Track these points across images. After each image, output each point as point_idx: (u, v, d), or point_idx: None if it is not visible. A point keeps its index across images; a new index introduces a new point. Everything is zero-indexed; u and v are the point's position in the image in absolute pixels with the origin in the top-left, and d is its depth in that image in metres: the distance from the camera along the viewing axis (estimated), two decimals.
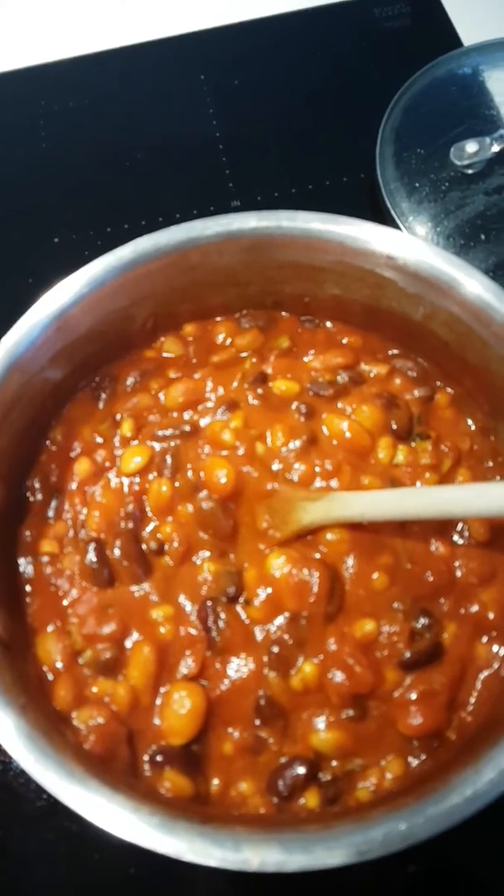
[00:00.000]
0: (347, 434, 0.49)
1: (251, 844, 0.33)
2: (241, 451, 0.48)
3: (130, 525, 0.47)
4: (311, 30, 0.79)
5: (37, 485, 0.49)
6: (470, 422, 0.51)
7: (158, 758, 0.42)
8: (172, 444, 0.50)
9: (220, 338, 0.54)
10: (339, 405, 0.50)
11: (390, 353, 0.53)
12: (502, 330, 0.43)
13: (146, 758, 0.42)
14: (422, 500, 0.43)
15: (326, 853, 0.32)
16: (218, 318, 0.55)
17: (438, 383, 0.52)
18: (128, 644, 0.44)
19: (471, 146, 0.61)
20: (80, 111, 0.77)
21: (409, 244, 0.46)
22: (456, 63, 0.69)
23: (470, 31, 0.76)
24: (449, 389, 0.52)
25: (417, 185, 0.64)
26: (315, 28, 0.79)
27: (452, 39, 0.76)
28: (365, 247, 0.46)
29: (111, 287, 0.47)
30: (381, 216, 0.65)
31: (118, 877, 0.48)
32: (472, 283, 0.44)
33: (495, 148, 0.62)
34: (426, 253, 0.45)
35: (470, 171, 0.63)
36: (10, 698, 0.38)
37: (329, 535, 0.46)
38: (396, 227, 0.63)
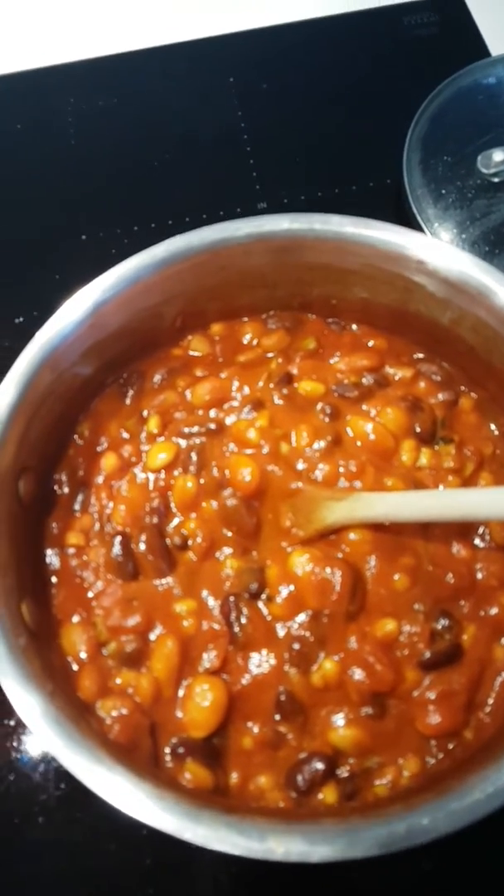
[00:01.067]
0: (371, 436, 0.49)
1: (275, 835, 0.33)
2: (265, 450, 0.49)
3: (155, 520, 0.48)
4: (340, 36, 0.80)
5: (64, 478, 0.50)
6: (493, 427, 0.52)
7: (180, 749, 0.43)
8: (198, 441, 0.50)
9: (247, 338, 0.55)
10: (364, 407, 0.51)
11: (415, 356, 0.54)
12: None
13: (168, 749, 0.43)
14: (444, 503, 0.43)
15: (349, 846, 0.33)
16: (245, 319, 0.56)
17: (462, 388, 0.53)
18: (151, 637, 0.45)
19: (498, 155, 0.62)
20: (109, 110, 0.78)
21: (441, 250, 0.46)
22: (483, 72, 0.70)
23: (498, 40, 0.77)
24: (473, 394, 0.52)
25: (444, 191, 0.64)
26: (344, 34, 0.80)
27: (480, 49, 0.77)
28: (397, 251, 0.47)
29: (143, 285, 0.48)
30: (407, 222, 0.65)
31: (134, 867, 0.49)
32: (492, 281, 0.44)
33: None
34: (460, 259, 0.45)
35: (496, 180, 0.63)
36: (39, 684, 0.39)
37: (352, 535, 0.46)
38: (422, 232, 0.63)
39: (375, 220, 0.47)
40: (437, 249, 0.46)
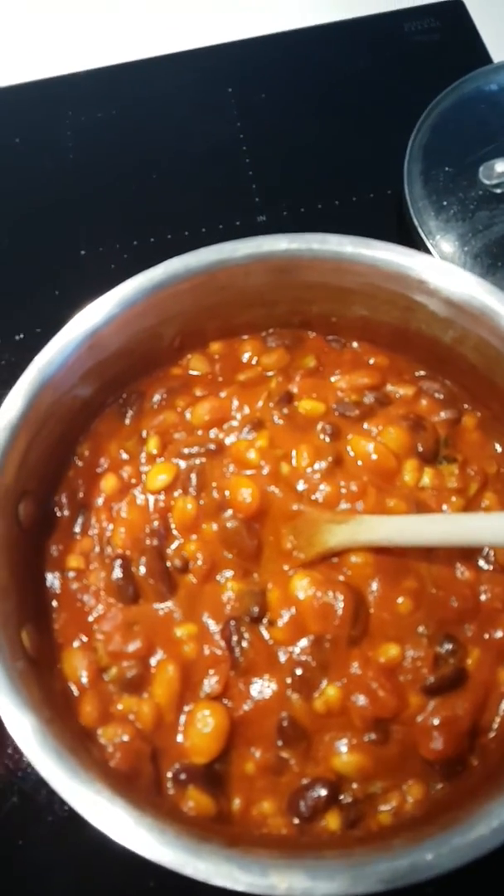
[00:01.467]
0: (373, 456, 0.49)
1: (277, 870, 0.33)
2: (266, 471, 0.49)
3: (155, 542, 0.48)
4: (339, 44, 0.79)
5: (64, 500, 0.50)
6: (497, 446, 0.51)
7: (182, 776, 0.42)
8: (198, 461, 0.50)
9: (247, 356, 0.55)
10: (365, 426, 0.51)
11: (417, 374, 0.53)
12: None
13: (170, 775, 0.43)
14: (447, 528, 0.43)
15: (352, 882, 0.33)
16: (244, 337, 0.55)
17: (466, 406, 0.52)
18: (152, 662, 0.45)
19: (500, 166, 0.61)
20: (107, 122, 0.78)
21: (443, 270, 0.46)
22: (485, 80, 0.69)
23: (500, 47, 0.76)
24: (476, 412, 0.52)
25: (445, 203, 0.63)
26: (344, 42, 0.79)
27: (482, 55, 0.76)
28: (397, 270, 0.46)
29: (141, 307, 0.47)
30: (408, 234, 0.65)
31: (138, 890, 0.49)
32: (494, 301, 0.44)
33: None
34: (462, 280, 0.45)
35: (499, 191, 0.62)
36: (37, 712, 0.39)
37: (354, 558, 0.46)
38: (423, 245, 0.63)
39: (375, 239, 0.47)
40: (438, 269, 0.46)
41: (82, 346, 0.46)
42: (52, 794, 0.52)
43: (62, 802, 0.51)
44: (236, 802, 0.43)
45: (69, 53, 0.82)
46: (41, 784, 0.52)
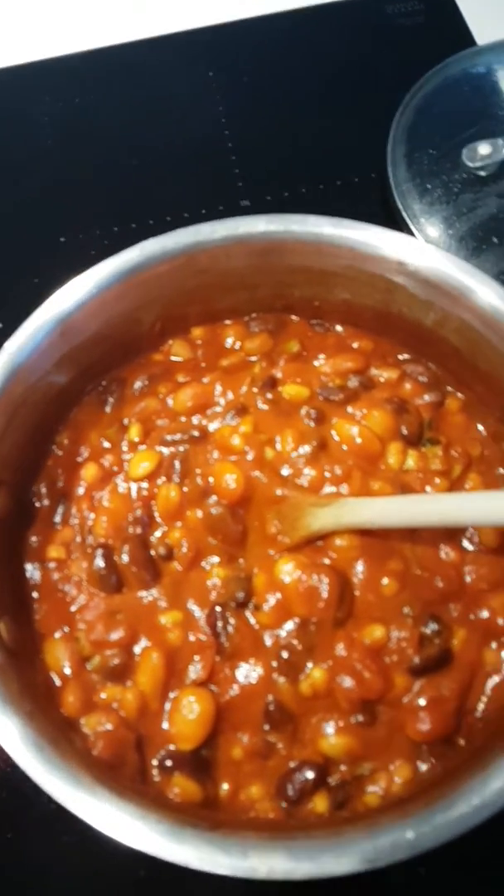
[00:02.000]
0: (357, 439, 0.49)
1: (258, 852, 0.33)
2: (250, 457, 0.48)
3: (139, 530, 0.47)
4: (322, 27, 0.78)
5: (43, 490, 0.49)
6: (481, 427, 0.51)
7: (168, 763, 0.42)
8: (181, 448, 0.49)
9: (230, 341, 0.54)
10: (349, 410, 0.50)
11: (401, 357, 0.53)
12: None
13: (155, 763, 0.42)
14: (432, 508, 0.42)
15: (334, 861, 0.32)
16: (227, 322, 0.55)
17: (449, 388, 0.52)
18: (136, 650, 0.44)
19: (483, 148, 0.61)
20: (87, 108, 0.77)
21: (420, 250, 0.45)
22: (469, 62, 0.68)
23: (483, 29, 0.75)
24: (459, 395, 0.51)
25: (429, 186, 0.63)
26: (326, 25, 0.78)
27: (466, 38, 0.75)
28: (376, 252, 0.46)
29: (117, 290, 0.47)
30: (393, 217, 0.64)
31: (128, 880, 0.49)
32: (485, 290, 0.44)
33: None
34: (438, 260, 0.44)
35: (482, 174, 0.62)
36: (17, 706, 0.38)
37: (338, 541, 0.45)
38: (408, 228, 0.62)
39: (356, 219, 0.46)
40: (416, 250, 0.45)
41: (53, 332, 0.45)
42: (39, 788, 0.52)
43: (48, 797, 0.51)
44: (224, 788, 0.43)
45: (47, 38, 0.80)
46: (28, 777, 0.52)
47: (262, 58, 0.78)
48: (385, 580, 0.45)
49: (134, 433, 0.50)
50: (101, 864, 0.49)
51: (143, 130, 0.75)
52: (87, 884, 0.49)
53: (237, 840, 0.34)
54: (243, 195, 0.70)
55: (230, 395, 0.51)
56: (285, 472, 0.48)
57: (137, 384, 0.52)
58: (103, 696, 0.44)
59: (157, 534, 0.48)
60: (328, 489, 0.48)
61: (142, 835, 0.34)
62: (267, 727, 0.43)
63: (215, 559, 0.47)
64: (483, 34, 0.75)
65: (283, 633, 0.44)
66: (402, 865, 0.45)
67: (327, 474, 0.48)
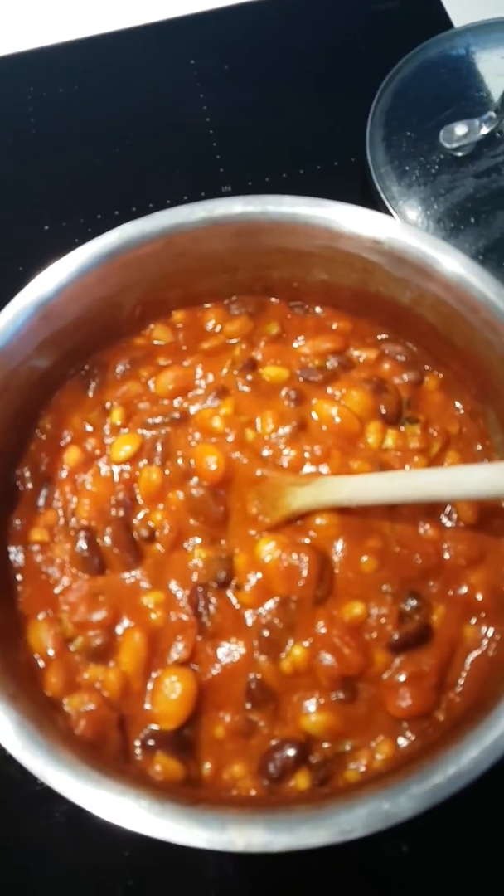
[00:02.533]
0: (337, 419, 0.49)
1: (236, 825, 0.33)
2: (230, 438, 0.48)
3: (121, 513, 0.48)
4: (300, 13, 0.78)
5: (27, 474, 0.49)
6: (458, 405, 0.51)
7: (150, 742, 0.42)
8: (163, 431, 0.50)
9: (210, 324, 0.54)
10: (329, 390, 0.50)
11: (379, 337, 0.53)
12: (484, 310, 0.43)
13: (138, 742, 0.43)
14: (408, 483, 0.43)
15: (311, 833, 0.33)
16: (207, 305, 0.55)
17: (427, 367, 0.52)
18: (119, 630, 0.45)
19: (460, 129, 0.61)
20: (70, 97, 0.77)
21: (392, 227, 0.45)
22: (446, 45, 0.68)
23: (460, 12, 0.75)
24: (437, 373, 0.52)
25: (407, 168, 0.63)
26: (305, 11, 0.78)
27: (443, 21, 0.75)
28: (350, 231, 0.46)
29: (97, 274, 0.47)
30: (372, 200, 0.64)
31: (115, 859, 0.49)
32: (452, 263, 0.44)
33: (484, 130, 0.61)
34: (409, 235, 0.45)
35: (459, 154, 0.62)
36: (1, 688, 0.38)
37: (318, 520, 0.46)
38: (387, 210, 0.63)
39: (330, 199, 0.46)
40: (389, 227, 0.45)
41: (34, 316, 0.45)
42: (24, 770, 0.52)
43: (36, 777, 0.52)
44: (207, 767, 0.43)
45: (31, 28, 0.80)
46: (15, 760, 0.52)
47: (242, 45, 0.78)
48: (364, 558, 0.45)
49: (116, 417, 0.50)
50: (85, 846, 0.49)
51: (126, 119, 0.75)
52: (72, 864, 0.49)
53: (216, 814, 0.35)
54: (225, 181, 0.70)
55: (211, 378, 0.52)
56: (266, 452, 0.48)
57: (119, 368, 0.53)
58: (86, 676, 0.44)
59: (140, 516, 0.48)
60: (308, 469, 0.48)
61: (122, 810, 0.35)
62: (249, 706, 0.43)
63: (197, 540, 0.47)
64: (460, 16, 0.75)
65: (263, 611, 0.45)
66: (385, 842, 0.46)
67: (307, 454, 0.48)
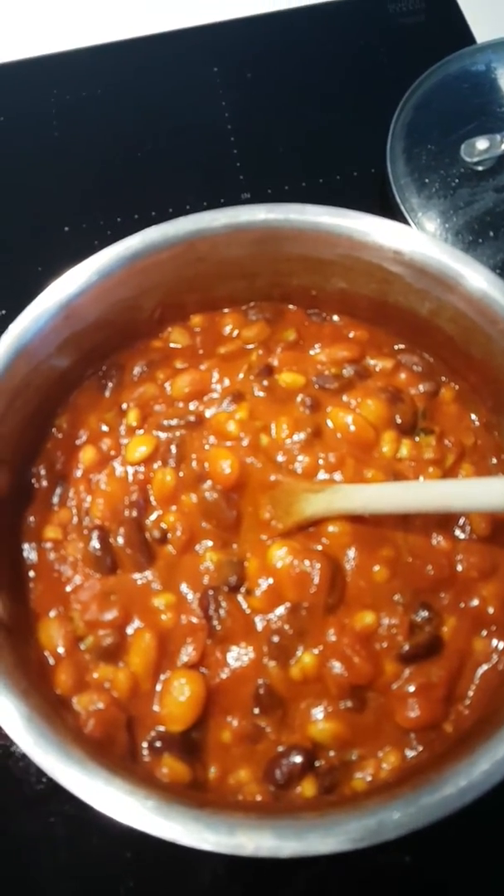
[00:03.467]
0: (352, 427, 0.49)
1: (245, 830, 0.33)
2: (245, 443, 0.49)
3: (134, 513, 0.48)
4: (325, 24, 0.79)
5: (42, 471, 0.50)
6: (474, 417, 0.51)
7: (157, 744, 0.42)
8: (178, 434, 0.50)
9: (228, 329, 0.55)
10: (344, 398, 0.51)
11: (396, 347, 0.53)
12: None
13: (145, 744, 0.43)
14: (422, 494, 0.43)
15: (319, 840, 0.33)
16: (225, 310, 0.55)
17: (443, 378, 0.52)
18: (129, 631, 0.45)
19: (481, 143, 0.61)
20: (93, 101, 0.77)
21: (415, 239, 0.46)
22: (469, 60, 0.69)
23: (484, 28, 0.76)
24: (454, 385, 0.52)
25: (427, 181, 0.63)
26: (329, 23, 0.79)
27: (466, 36, 0.76)
28: (373, 241, 0.46)
29: (119, 277, 0.47)
30: (391, 211, 0.65)
31: (116, 860, 0.49)
32: (476, 278, 0.44)
33: None
34: (432, 248, 0.45)
35: (480, 168, 0.62)
36: (12, 682, 0.39)
37: (331, 528, 0.46)
38: (406, 222, 0.63)
39: (353, 210, 0.47)
40: (411, 239, 0.46)
41: (58, 315, 0.46)
42: (29, 768, 0.52)
43: (40, 775, 0.52)
44: (213, 771, 0.43)
45: (55, 32, 0.81)
46: (19, 758, 0.52)
47: (265, 54, 0.79)
48: (376, 567, 0.45)
49: (132, 418, 0.51)
50: (88, 845, 0.49)
51: (147, 124, 0.76)
52: (74, 864, 0.49)
53: (224, 818, 0.35)
54: (245, 188, 0.71)
55: (227, 382, 0.52)
56: (280, 458, 0.49)
57: (136, 370, 0.53)
58: (95, 675, 0.44)
59: (153, 517, 0.48)
60: (322, 476, 0.48)
61: (131, 810, 0.35)
62: (256, 711, 0.43)
63: (209, 543, 0.47)
64: (482, 32, 0.75)
65: (274, 617, 0.45)
66: (387, 853, 0.46)
67: (321, 461, 0.48)
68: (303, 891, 0.48)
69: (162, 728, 0.43)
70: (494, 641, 0.45)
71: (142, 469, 0.49)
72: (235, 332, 0.54)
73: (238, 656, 0.44)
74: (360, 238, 0.46)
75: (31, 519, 0.48)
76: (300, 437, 0.49)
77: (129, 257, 0.47)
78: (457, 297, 0.45)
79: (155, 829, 0.34)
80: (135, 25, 0.81)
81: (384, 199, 0.66)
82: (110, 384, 0.52)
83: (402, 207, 0.63)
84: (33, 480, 0.49)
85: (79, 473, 0.50)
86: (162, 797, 0.35)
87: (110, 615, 0.45)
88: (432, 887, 0.48)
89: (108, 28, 0.81)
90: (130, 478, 0.49)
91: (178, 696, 0.43)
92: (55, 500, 0.49)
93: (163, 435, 0.50)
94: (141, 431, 0.51)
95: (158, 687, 0.44)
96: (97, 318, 0.49)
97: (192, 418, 0.50)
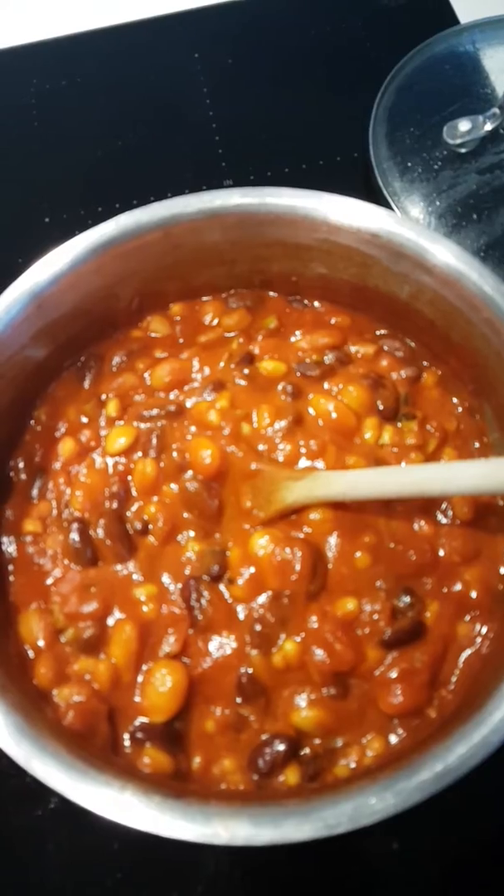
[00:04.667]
0: (333, 414, 0.49)
1: (221, 818, 0.33)
2: (226, 432, 0.48)
3: (115, 505, 0.47)
4: (306, 7, 0.78)
5: (20, 464, 0.49)
6: (456, 401, 0.51)
7: (139, 735, 0.42)
8: (158, 424, 0.49)
9: (208, 318, 0.54)
10: (326, 385, 0.50)
11: (378, 333, 0.53)
12: (482, 306, 0.42)
13: (127, 735, 0.42)
14: (402, 479, 0.42)
15: (295, 828, 0.32)
16: (205, 298, 0.54)
17: (425, 363, 0.52)
18: (110, 622, 0.45)
19: (463, 125, 0.60)
20: (73, 90, 0.77)
21: (391, 221, 0.45)
22: (452, 41, 0.68)
23: (467, 8, 0.74)
24: (435, 369, 0.51)
25: (410, 164, 0.63)
26: (310, 5, 0.78)
27: (449, 17, 0.75)
28: (349, 224, 0.46)
29: (93, 265, 0.47)
30: (374, 196, 0.64)
31: (102, 851, 0.49)
32: (452, 259, 0.43)
33: (488, 126, 0.61)
34: (408, 230, 0.44)
35: (463, 150, 0.62)
36: None
37: (313, 515, 0.45)
38: (389, 206, 0.62)
39: (329, 192, 0.46)
40: (388, 221, 0.45)
41: (29, 305, 0.45)
42: (12, 763, 0.52)
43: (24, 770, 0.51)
44: (196, 760, 0.43)
45: (34, 21, 0.80)
46: (4, 753, 0.52)
47: (246, 39, 0.78)
48: (358, 553, 0.45)
49: (111, 409, 0.50)
50: (75, 838, 0.49)
51: (129, 112, 0.75)
52: (61, 856, 0.49)
53: (201, 807, 0.34)
54: (227, 175, 0.70)
55: (207, 371, 0.51)
56: (261, 447, 0.48)
57: (116, 360, 0.52)
58: (76, 667, 0.44)
59: (134, 508, 0.48)
60: (304, 464, 0.48)
61: (105, 800, 0.34)
62: (239, 700, 0.43)
63: (191, 533, 0.47)
64: (466, 13, 0.74)
65: (256, 606, 0.44)
66: (375, 839, 0.45)
67: (303, 449, 0.48)
68: (292, 876, 0.48)
69: (144, 719, 0.43)
70: (477, 626, 0.44)
71: (122, 460, 0.49)
72: (216, 321, 0.54)
73: (220, 645, 0.44)
74: (335, 221, 0.46)
75: (10, 513, 0.48)
76: (281, 425, 0.49)
77: (103, 245, 0.46)
78: (434, 280, 0.45)
79: (130, 820, 0.34)
80: (114, 13, 0.80)
81: (367, 184, 0.66)
82: (89, 375, 0.52)
83: (385, 192, 0.62)
84: (11, 474, 0.49)
85: (58, 466, 0.49)
86: (139, 788, 0.35)
87: (90, 607, 0.44)
88: (421, 871, 0.48)
89: (87, 16, 0.80)
90: (111, 469, 0.49)
91: (160, 687, 0.42)
92: (34, 492, 0.49)
93: (143, 425, 0.50)
94: (121, 422, 0.50)
95: (140, 678, 0.43)
96: (72, 308, 0.48)
97: (172, 408, 0.50)
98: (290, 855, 0.48)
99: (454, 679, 0.44)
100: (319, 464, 0.47)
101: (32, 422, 0.50)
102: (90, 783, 0.35)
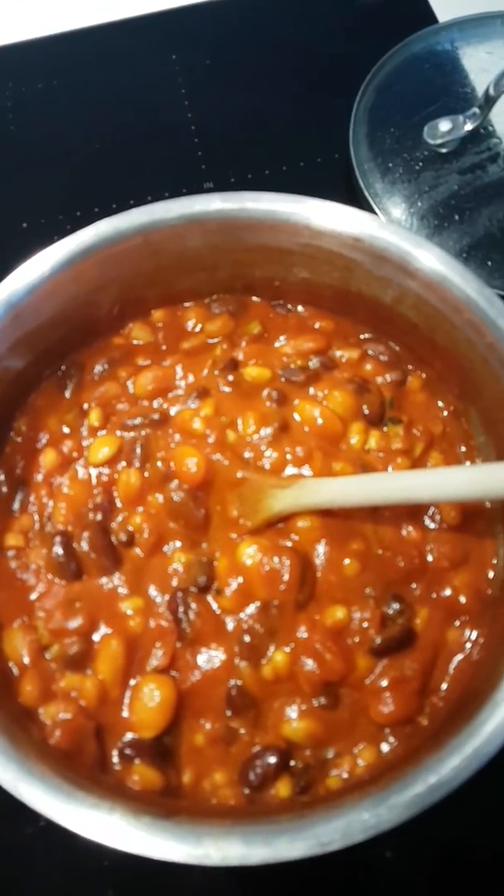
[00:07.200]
0: (319, 420, 0.48)
1: (213, 838, 0.32)
2: (211, 440, 0.47)
3: (99, 517, 0.46)
4: (283, 7, 0.77)
5: (1, 477, 0.48)
6: (441, 405, 0.50)
7: (128, 751, 0.41)
8: (142, 433, 0.49)
9: (191, 324, 0.53)
10: (311, 391, 0.50)
11: (362, 337, 0.52)
12: (465, 309, 0.42)
13: (115, 752, 0.42)
14: (390, 485, 0.42)
15: (288, 846, 0.32)
16: (187, 304, 0.54)
17: (410, 367, 0.51)
18: (96, 638, 0.44)
19: (444, 125, 0.60)
20: (49, 93, 0.75)
21: (373, 225, 0.44)
22: (431, 40, 0.68)
23: (445, 6, 0.74)
24: (421, 373, 0.51)
25: (391, 165, 0.62)
26: (288, 5, 0.77)
27: (427, 15, 0.74)
28: (331, 228, 0.45)
29: (71, 272, 0.46)
30: (356, 197, 0.64)
31: (92, 869, 0.48)
32: (435, 263, 0.43)
33: (468, 126, 0.60)
34: (390, 234, 0.44)
35: (443, 150, 0.61)
36: None
37: (300, 523, 0.45)
38: (370, 208, 0.62)
39: (313, 196, 0.45)
40: (369, 224, 0.44)
41: (5, 316, 0.44)
42: None
43: None
44: (187, 775, 0.42)
45: (9, 23, 0.79)
46: None
47: (224, 40, 0.77)
48: (347, 561, 0.44)
49: (94, 418, 0.49)
50: (65, 856, 0.48)
51: (106, 115, 0.74)
52: (51, 874, 0.49)
53: (192, 826, 0.34)
54: (206, 178, 0.69)
55: (191, 378, 0.51)
56: (247, 454, 0.48)
57: (97, 368, 0.52)
58: (62, 684, 0.43)
59: (118, 520, 0.47)
60: (290, 471, 0.47)
61: (94, 823, 0.34)
62: (229, 713, 0.42)
63: (177, 544, 0.46)
64: (444, 11, 0.74)
65: (244, 616, 0.44)
66: (369, 849, 0.45)
67: (289, 456, 0.47)
68: (286, 888, 0.48)
69: (132, 735, 0.42)
70: (467, 631, 0.44)
71: (106, 470, 0.48)
72: (199, 327, 0.53)
73: (209, 658, 0.43)
74: (317, 225, 0.45)
75: None
76: (267, 431, 0.48)
77: (81, 252, 0.46)
78: (417, 284, 0.44)
79: (119, 843, 0.33)
80: (90, 14, 0.79)
81: (349, 185, 0.65)
82: (70, 384, 0.51)
83: (367, 193, 0.62)
84: None
85: (40, 478, 0.48)
86: (129, 808, 0.34)
87: (75, 623, 0.44)
88: (415, 882, 0.48)
89: (63, 18, 0.79)
90: (94, 480, 0.48)
91: (148, 702, 0.42)
92: (16, 506, 0.48)
93: (126, 435, 0.49)
94: (104, 432, 0.49)
95: (128, 693, 0.43)
96: (51, 316, 0.47)
97: (156, 416, 0.49)
98: (284, 866, 0.48)
99: (445, 686, 0.44)
100: (306, 470, 0.47)
101: (12, 433, 0.49)
102: (78, 805, 0.34)
